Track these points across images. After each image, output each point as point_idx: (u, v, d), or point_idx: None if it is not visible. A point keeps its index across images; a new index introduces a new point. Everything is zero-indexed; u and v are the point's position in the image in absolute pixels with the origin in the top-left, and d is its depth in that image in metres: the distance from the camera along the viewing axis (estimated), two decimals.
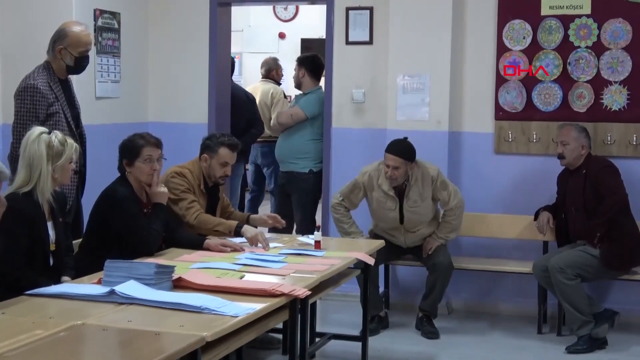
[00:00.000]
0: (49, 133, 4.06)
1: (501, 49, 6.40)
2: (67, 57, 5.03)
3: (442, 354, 5.55)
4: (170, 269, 3.77)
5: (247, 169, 8.48)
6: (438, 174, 5.83)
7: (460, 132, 6.52)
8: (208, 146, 5.23)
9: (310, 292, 3.91)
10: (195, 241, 4.75)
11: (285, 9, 12.81)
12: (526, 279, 6.14)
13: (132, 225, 4.48)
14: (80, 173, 5.13)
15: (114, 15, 6.71)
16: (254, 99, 7.94)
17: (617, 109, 6.20)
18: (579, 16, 6.22)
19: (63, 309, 3.39)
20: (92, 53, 5.26)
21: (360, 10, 6.67)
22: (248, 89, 8.43)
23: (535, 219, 6.05)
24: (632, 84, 6.16)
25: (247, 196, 8.64)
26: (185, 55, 7.15)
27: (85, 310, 3.35)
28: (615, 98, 6.20)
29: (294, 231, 6.87)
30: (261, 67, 8.95)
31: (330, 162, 6.79)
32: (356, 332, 5.49)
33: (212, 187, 5.29)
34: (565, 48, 6.26)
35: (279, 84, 8.85)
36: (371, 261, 4.88)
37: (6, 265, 3.90)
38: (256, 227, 5.10)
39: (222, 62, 7.20)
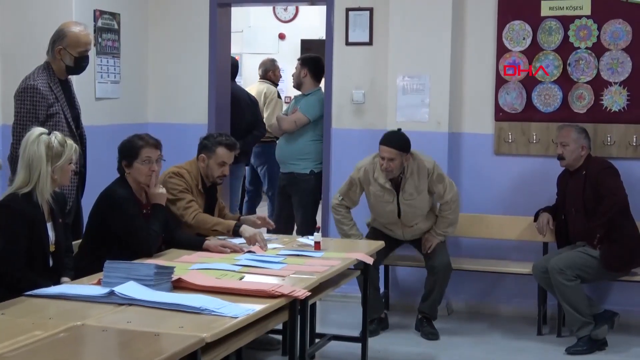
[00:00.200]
0: (49, 134, 4.06)
1: (501, 50, 6.40)
2: (66, 58, 5.03)
3: (442, 355, 5.54)
4: (170, 269, 3.77)
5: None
6: (434, 167, 5.80)
7: (460, 133, 6.52)
8: (205, 146, 5.23)
9: (310, 293, 3.91)
10: (194, 242, 4.75)
11: (285, 9, 12.80)
12: (526, 280, 6.14)
13: (131, 226, 4.48)
14: (80, 174, 5.13)
15: (114, 16, 6.71)
16: (256, 101, 7.95)
17: (617, 110, 6.20)
18: (579, 17, 6.22)
19: (62, 309, 3.39)
20: (92, 54, 5.26)
21: (360, 11, 6.67)
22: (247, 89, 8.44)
23: (535, 220, 6.05)
24: (632, 85, 6.16)
25: (245, 197, 8.65)
26: (185, 56, 7.15)
27: (85, 311, 3.35)
28: (615, 99, 6.20)
29: (294, 232, 6.86)
30: (259, 68, 8.97)
31: (330, 163, 6.79)
32: (356, 333, 5.49)
33: (210, 188, 5.29)
34: (565, 49, 6.26)
35: (276, 85, 8.85)
36: (371, 261, 4.88)
37: (6, 266, 3.91)
38: None
39: (222, 63, 7.20)
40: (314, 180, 6.86)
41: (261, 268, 4.26)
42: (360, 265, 5.00)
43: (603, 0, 6.17)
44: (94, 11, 6.47)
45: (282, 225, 6.88)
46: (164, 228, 4.67)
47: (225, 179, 5.51)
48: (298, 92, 7.34)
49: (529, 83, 6.35)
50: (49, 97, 4.94)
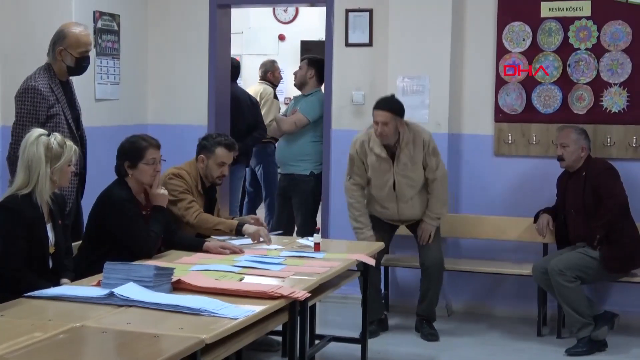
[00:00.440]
0: (48, 135, 4.06)
1: (501, 51, 6.40)
2: (67, 58, 5.04)
3: (442, 356, 5.54)
4: (170, 271, 3.77)
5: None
6: (430, 139, 5.75)
7: (460, 134, 6.52)
8: (205, 146, 5.22)
9: (309, 295, 3.91)
10: (194, 243, 4.74)
11: (285, 11, 12.80)
12: (526, 281, 6.14)
13: (130, 227, 4.48)
14: (81, 175, 5.13)
15: (114, 17, 6.71)
16: (257, 103, 7.95)
17: (617, 111, 6.20)
18: (579, 18, 6.23)
19: (62, 311, 3.39)
20: (91, 55, 5.26)
21: (360, 12, 6.68)
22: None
23: (535, 221, 6.05)
24: (632, 86, 6.16)
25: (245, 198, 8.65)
26: (185, 57, 7.15)
27: (85, 312, 3.35)
28: (615, 100, 6.20)
29: (294, 233, 6.86)
30: (259, 69, 8.97)
31: (330, 164, 6.79)
32: (356, 334, 5.48)
33: (209, 188, 5.29)
34: (565, 50, 6.26)
35: (275, 86, 8.84)
36: (372, 262, 4.87)
37: (5, 267, 3.91)
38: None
39: (221, 64, 7.20)
40: (314, 182, 6.86)
41: (261, 269, 4.25)
42: (361, 267, 4.99)
43: (603, 1, 6.17)
44: (94, 12, 6.47)
45: (282, 226, 6.89)
46: (164, 229, 4.67)
47: (225, 180, 5.51)
48: (297, 93, 7.33)
49: (529, 84, 6.35)
50: (49, 98, 4.94)
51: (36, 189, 3.98)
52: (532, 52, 6.32)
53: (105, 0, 6.62)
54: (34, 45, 5.83)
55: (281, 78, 9.03)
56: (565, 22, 6.26)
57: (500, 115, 6.44)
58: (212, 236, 5.09)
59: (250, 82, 12.40)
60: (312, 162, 6.87)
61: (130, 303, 3.43)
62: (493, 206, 6.46)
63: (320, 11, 9.36)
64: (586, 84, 6.24)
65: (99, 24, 6.53)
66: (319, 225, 5.66)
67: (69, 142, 4.11)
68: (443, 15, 6.37)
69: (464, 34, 6.48)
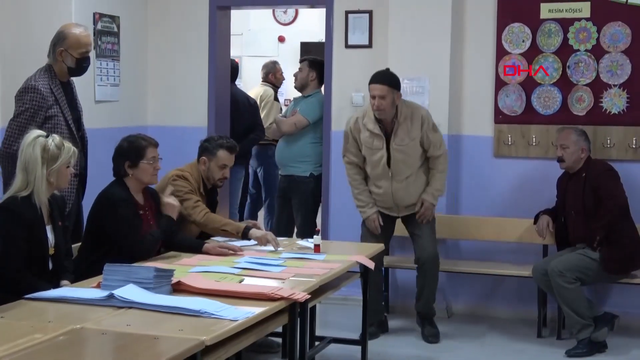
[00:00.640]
0: (47, 136, 4.06)
1: (500, 53, 6.40)
2: (67, 59, 5.05)
3: (442, 358, 5.54)
4: (170, 272, 3.77)
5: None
6: (428, 114, 5.73)
7: (460, 136, 6.52)
8: (206, 148, 5.23)
9: (309, 296, 3.91)
10: (194, 245, 4.74)
11: (285, 12, 12.80)
12: (526, 282, 6.14)
13: (125, 228, 4.48)
14: (81, 176, 5.14)
15: (114, 19, 6.71)
16: (255, 104, 7.95)
17: (617, 112, 6.20)
18: (579, 19, 6.23)
19: (62, 313, 3.39)
20: (91, 57, 5.26)
21: (360, 14, 6.69)
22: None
23: (535, 222, 6.05)
24: (632, 87, 6.16)
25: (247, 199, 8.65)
26: (185, 58, 7.16)
27: (84, 314, 3.35)
28: (615, 101, 6.20)
29: (294, 235, 6.86)
30: (261, 70, 8.96)
31: (330, 166, 6.79)
32: (356, 335, 5.48)
33: (211, 190, 5.30)
34: (564, 51, 6.27)
35: (277, 87, 8.83)
36: (372, 265, 4.87)
37: (5, 269, 3.91)
38: None
39: (221, 66, 7.20)
40: (314, 183, 6.86)
41: (261, 271, 4.25)
42: (361, 268, 4.99)
43: (602, 2, 6.18)
44: (94, 14, 6.48)
45: (282, 227, 6.89)
46: (164, 232, 4.67)
47: (224, 182, 5.51)
48: (297, 94, 7.33)
49: (529, 85, 6.35)
50: (48, 98, 4.95)
51: (34, 190, 3.98)
52: (532, 53, 6.33)
53: (105, 2, 6.63)
54: (34, 47, 5.83)
55: (283, 79, 9.01)
56: (565, 24, 6.26)
57: (500, 117, 6.44)
58: (212, 237, 5.09)
59: (251, 84, 12.40)
60: (312, 164, 6.87)
61: (130, 305, 3.43)
62: (493, 207, 6.46)
63: (320, 13, 9.36)
64: (586, 85, 6.24)
65: (99, 26, 6.53)
66: (318, 226, 5.66)
67: (67, 144, 4.11)
68: (443, 17, 6.37)
69: (464, 35, 6.48)
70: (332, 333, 5.58)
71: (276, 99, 8.75)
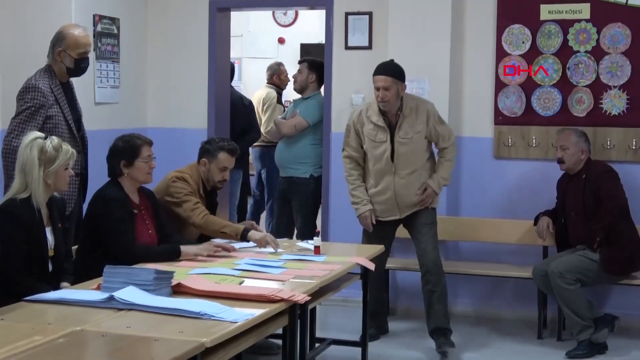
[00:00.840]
0: (45, 138, 4.06)
1: (500, 54, 6.41)
2: (66, 59, 5.06)
3: None
4: (170, 274, 3.77)
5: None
6: (433, 108, 5.63)
7: (460, 137, 6.51)
8: (207, 150, 5.23)
9: (309, 298, 3.90)
10: (171, 252, 4.60)
11: (285, 14, 12.82)
12: (526, 283, 6.14)
13: (117, 227, 4.49)
14: (82, 176, 5.15)
15: (113, 20, 6.71)
16: (250, 105, 7.95)
17: (617, 114, 6.20)
18: (578, 21, 6.23)
19: (62, 315, 3.39)
20: (91, 59, 5.27)
21: (360, 16, 6.69)
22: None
23: (535, 223, 6.05)
24: (632, 89, 6.16)
25: (250, 201, 8.65)
26: (185, 60, 7.16)
27: (85, 316, 3.34)
28: (615, 102, 6.20)
29: (294, 236, 6.86)
30: (265, 72, 8.96)
31: (329, 167, 6.79)
32: (356, 337, 5.47)
33: (211, 192, 5.30)
34: (564, 53, 6.27)
35: (281, 89, 8.82)
36: (372, 266, 4.86)
37: (5, 271, 3.91)
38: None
39: (221, 68, 7.20)
40: (314, 185, 6.85)
41: (261, 272, 4.25)
42: (362, 270, 4.99)
43: (602, 4, 6.18)
44: (94, 16, 6.48)
45: (282, 229, 6.88)
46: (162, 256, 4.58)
47: (224, 184, 5.51)
48: (297, 96, 7.33)
49: (529, 87, 6.35)
50: (49, 97, 4.97)
51: (32, 192, 3.98)
52: (532, 54, 6.33)
53: (105, 4, 6.63)
54: (34, 49, 5.84)
55: (288, 81, 8.96)
56: (565, 25, 6.26)
57: (500, 118, 6.44)
58: (211, 239, 5.09)
59: (251, 85, 12.43)
60: (312, 165, 6.87)
61: (130, 307, 3.43)
62: (493, 209, 6.46)
63: (319, 14, 9.36)
64: (586, 86, 6.24)
65: (99, 28, 6.53)
66: (318, 228, 5.66)
67: (66, 146, 4.10)
68: (443, 18, 6.37)
69: (464, 36, 6.49)
70: (332, 335, 5.58)
71: (279, 101, 8.71)
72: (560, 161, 5.83)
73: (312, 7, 7.84)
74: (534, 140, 6.36)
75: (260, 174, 8.55)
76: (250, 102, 8.02)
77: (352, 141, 5.70)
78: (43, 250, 4.04)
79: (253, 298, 3.65)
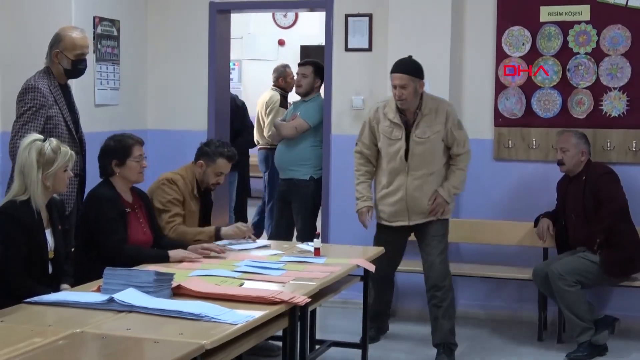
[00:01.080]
0: (44, 140, 4.06)
1: (500, 56, 6.41)
2: (63, 61, 5.07)
3: None
4: (170, 276, 3.77)
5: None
6: (453, 110, 5.50)
7: None
8: (206, 153, 5.23)
9: (309, 300, 3.90)
10: (160, 257, 4.59)
11: (285, 16, 12.82)
12: (526, 285, 6.14)
13: (108, 227, 4.50)
14: (80, 178, 5.16)
15: (113, 22, 6.71)
16: (243, 105, 7.93)
17: (617, 115, 6.20)
18: (578, 22, 6.23)
19: (62, 316, 3.39)
20: (91, 60, 5.28)
21: (360, 17, 6.69)
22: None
23: (535, 225, 6.05)
24: (632, 90, 6.16)
25: (250, 202, 8.64)
26: (185, 62, 7.16)
27: (84, 318, 3.34)
28: (615, 104, 6.20)
29: (294, 238, 6.86)
30: (272, 74, 8.94)
31: (329, 169, 6.79)
32: (356, 339, 5.47)
33: (205, 192, 5.31)
34: (564, 54, 6.27)
35: (286, 92, 8.79)
36: (372, 268, 4.86)
37: (5, 273, 3.91)
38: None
39: (221, 69, 7.20)
40: (314, 186, 6.85)
41: (261, 274, 4.25)
42: (362, 272, 4.99)
43: (602, 5, 6.18)
44: (94, 18, 6.48)
45: (282, 231, 6.88)
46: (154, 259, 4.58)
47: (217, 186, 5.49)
48: (296, 98, 7.32)
49: (529, 88, 6.35)
50: (49, 97, 4.98)
51: (31, 194, 3.98)
52: (532, 56, 6.33)
53: (105, 6, 6.63)
54: (34, 52, 5.83)
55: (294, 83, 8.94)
56: (565, 27, 6.26)
57: (500, 120, 6.44)
58: (216, 242, 5.10)
59: (250, 87, 12.43)
60: (312, 167, 6.86)
61: (130, 309, 3.43)
62: (493, 211, 6.46)
63: (319, 16, 9.38)
64: (586, 88, 6.24)
65: (99, 30, 6.53)
66: (318, 230, 5.65)
67: (64, 148, 4.10)
68: (442, 20, 6.37)
69: (464, 38, 6.49)
70: (333, 337, 5.58)
71: (284, 104, 8.62)
72: (560, 163, 5.84)
73: (312, 9, 7.84)
74: (534, 142, 6.36)
75: (265, 177, 8.54)
76: (243, 103, 8.02)
77: (365, 137, 5.58)
78: (43, 253, 4.04)
79: (253, 300, 3.64)
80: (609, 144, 6.19)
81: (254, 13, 11.41)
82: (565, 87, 6.28)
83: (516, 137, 6.40)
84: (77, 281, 4.12)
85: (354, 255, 4.98)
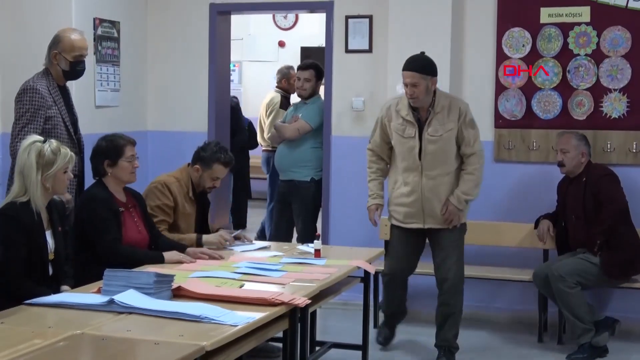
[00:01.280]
0: (44, 142, 4.06)
1: (501, 57, 6.40)
2: (62, 62, 5.09)
3: None
4: (170, 278, 3.77)
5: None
6: (468, 108, 5.34)
7: None
8: (203, 158, 5.22)
9: (310, 301, 3.91)
10: (154, 259, 4.60)
11: (285, 17, 12.83)
12: (526, 287, 6.13)
13: (101, 227, 4.51)
14: (79, 179, 5.16)
15: (114, 24, 6.71)
16: (237, 105, 7.92)
17: (617, 117, 6.20)
18: (579, 24, 6.23)
19: (62, 318, 3.39)
20: (92, 62, 5.28)
21: (360, 19, 6.69)
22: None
23: (536, 227, 6.05)
24: (632, 92, 6.16)
25: (251, 204, 8.65)
26: (185, 63, 7.16)
27: (85, 319, 3.34)
28: (615, 106, 6.20)
29: (294, 240, 6.86)
30: (275, 75, 8.94)
31: (330, 171, 6.78)
32: (357, 341, 5.47)
33: (201, 193, 5.30)
34: (564, 56, 6.27)
35: (289, 93, 8.78)
36: (372, 270, 4.86)
37: (5, 275, 3.91)
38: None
39: (221, 71, 7.20)
40: (314, 188, 6.85)
41: (261, 276, 4.25)
42: (362, 273, 5.00)
43: (602, 7, 6.18)
44: (94, 19, 6.48)
45: (282, 232, 6.88)
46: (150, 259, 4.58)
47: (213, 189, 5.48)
48: (296, 99, 7.32)
49: (529, 90, 6.35)
50: (47, 98, 4.99)
51: (31, 196, 3.98)
52: (532, 57, 6.33)
53: (105, 7, 6.63)
54: (34, 53, 5.83)
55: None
56: (565, 28, 6.26)
57: (500, 121, 6.44)
58: (220, 229, 5.10)
59: (250, 89, 12.44)
60: (313, 169, 6.86)
61: (130, 310, 3.43)
62: (493, 212, 6.45)
63: (320, 17, 9.39)
64: (586, 89, 6.24)
65: (99, 31, 6.53)
66: (319, 231, 5.65)
67: (64, 149, 4.11)
68: (442, 22, 6.36)
69: (464, 39, 6.49)
70: (333, 338, 5.58)
71: (285, 106, 8.58)
72: (560, 164, 5.84)
73: (313, 11, 7.85)
74: (534, 144, 6.36)
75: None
76: (237, 104, 8.02)
77: (377, 135, 5.49)
78: (43, 254, 4.04)
79: (253, 301, 3.64)
80: (609, 145, 6.19)
81: (254, 14, 11.42)
82: (565, 89, 6.28)
83: (516, 138, 6.40)
84: (76, 282, 4.12)
85: (354, 256, 4.98)
